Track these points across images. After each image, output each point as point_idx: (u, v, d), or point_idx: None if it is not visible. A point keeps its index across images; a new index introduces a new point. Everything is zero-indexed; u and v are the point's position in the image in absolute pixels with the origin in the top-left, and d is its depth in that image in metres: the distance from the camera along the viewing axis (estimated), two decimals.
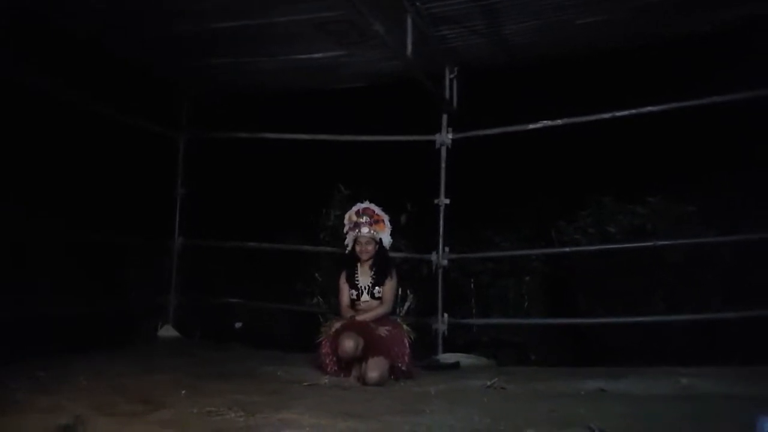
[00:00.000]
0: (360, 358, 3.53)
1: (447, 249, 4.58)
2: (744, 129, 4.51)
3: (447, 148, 4.66)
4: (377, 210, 3.93)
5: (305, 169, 5.75)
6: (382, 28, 3.38)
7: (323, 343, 3.70)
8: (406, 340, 3.69)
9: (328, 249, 5.03)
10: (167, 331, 5.14)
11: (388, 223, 3.96)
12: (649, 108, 4.23)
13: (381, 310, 3.78)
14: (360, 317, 3.73)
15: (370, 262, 3.88)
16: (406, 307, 4.67)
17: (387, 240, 3.95)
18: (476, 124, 4.74)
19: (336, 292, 3.99)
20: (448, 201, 4.58)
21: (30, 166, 4.21)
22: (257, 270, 5.61)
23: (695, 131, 4.67)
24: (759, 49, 4.06)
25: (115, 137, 4.80)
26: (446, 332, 4.50)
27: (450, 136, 4.67)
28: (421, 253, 4.78)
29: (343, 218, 4.07)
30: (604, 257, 4.65)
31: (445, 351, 4.45)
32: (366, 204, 3.95)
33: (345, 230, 3.99)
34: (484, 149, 5.06)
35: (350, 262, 3.93)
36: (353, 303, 3.86)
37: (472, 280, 5.12)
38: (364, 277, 3.87)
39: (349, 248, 3.95)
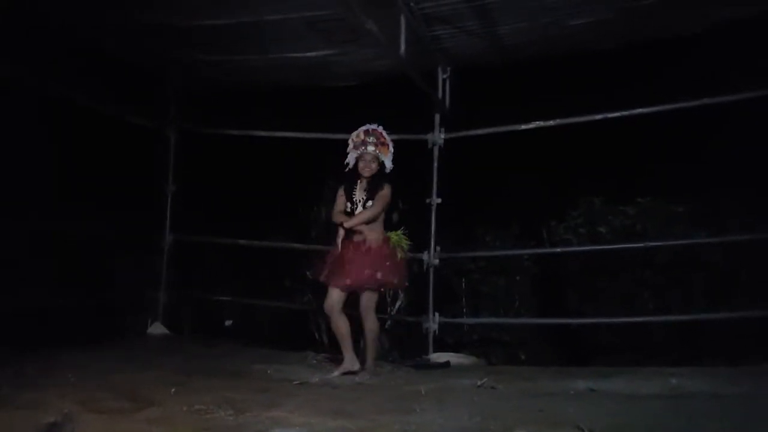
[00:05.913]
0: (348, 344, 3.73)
1: (438, 248, 4.58)
2: (734, 131, 4.54)
3: (439, 147, 4.66)
4: (385, 134, 4.01)
5: (296, 166, 5.73)
6: (375, 27, 3.37)
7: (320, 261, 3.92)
8: (394, 255, 3.86)
9: (319, 247, 5.01)
10: (157, 329, 5.11)
11: (392, 149, 4.03)
12: (640, 110, 4.26)
13: (369, 213, 3.86)
14: (349, 222, 3.82)
15: (369, 179, 3.94)
16: (397, 306, 4.68)
17: (388, 164, 4.00)
18: (469, 123, 4.75)
19: (332, 202, 4.05)
20: (440, 200, 4.59)
21: (20, 162, 4.17)
22: (248, 267, 5.59)
23: (685, 132, 4.70)
24: (749, 50, 4.09)
25: (104, 133, 4.77)
26: (437, 331, 4.50)
27: (442, 135, 4.67)
28: (412, 252, 4.77)
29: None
30: (594, 257, 4.67)
31: (435, 350, 4.46)
32: (375, 126, 4.01)
33: (348, 149, 4.02)
34: (476, 149, 5.07)
35: (350, 178, 3.99)
36: (347, 215, 3.94)
37: (463, 279, 5.13)
38: (360, 192, 3.95)
39: (350, 166, 3.99)
